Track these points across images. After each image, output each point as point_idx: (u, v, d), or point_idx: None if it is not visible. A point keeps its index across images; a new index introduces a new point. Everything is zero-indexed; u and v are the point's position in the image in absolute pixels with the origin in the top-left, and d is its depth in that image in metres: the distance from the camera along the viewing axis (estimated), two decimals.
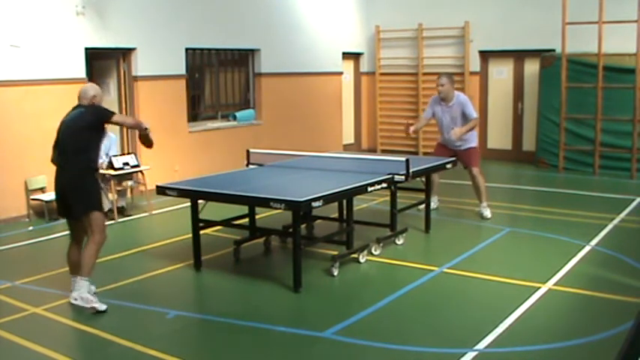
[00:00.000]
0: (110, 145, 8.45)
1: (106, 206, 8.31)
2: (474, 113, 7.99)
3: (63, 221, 8.29)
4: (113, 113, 5.42)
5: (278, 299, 5.55)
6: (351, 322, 4.99)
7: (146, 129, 5.54)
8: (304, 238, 6.53)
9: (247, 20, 11.24)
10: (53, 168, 8.48)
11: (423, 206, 7.82)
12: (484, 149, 13.18)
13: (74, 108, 5.45)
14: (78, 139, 5.26)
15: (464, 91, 12.80)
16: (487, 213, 8.17)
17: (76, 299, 5.24)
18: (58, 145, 5.43)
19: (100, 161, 8.32)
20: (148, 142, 5.65)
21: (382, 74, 14.11)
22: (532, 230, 7.62)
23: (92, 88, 5.54)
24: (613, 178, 10.79)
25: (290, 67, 12.14)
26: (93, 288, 5.38)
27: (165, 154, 9.79)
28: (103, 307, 5.22)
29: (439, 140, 8.42)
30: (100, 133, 5.44)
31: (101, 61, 9.67)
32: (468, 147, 8.08)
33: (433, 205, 8.17)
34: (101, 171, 8.21)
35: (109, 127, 8.75)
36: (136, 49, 9.52)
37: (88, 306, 5.19)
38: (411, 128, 8.15)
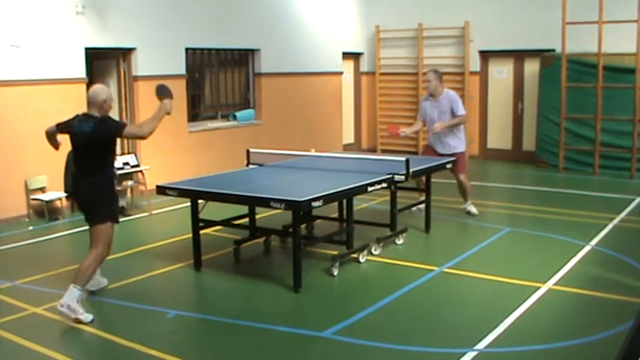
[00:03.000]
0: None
1: None
2: (461, 110, 7.99)
3: (63, 221, 8.35)
4: (124, 126, 5.09)
5: (278, 299, 5.55)
6: (351, 322, 4.99)
7: (167, 112, 5.14)
8: (304, 238, 6.53)
9: (247, 20, 11.24)
10: (53, 168, 8.55)
11: (415, 207, 7.89)
12: (484, 149, 13.21)
13: (84, 117, 5.18)
14: (93, 151, 5.10)
15: (463, 90, 12.85)
16: (474, 209, 8.26)
17: (62, 306, 4.94)
18: (76, 154, 5.26)
19: None
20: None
21: (382, 74, 14.10)
22: (532, 230, 7.62)
23: (103, 92, 5.20)
24: (613, 178, 10.79)
25: (290, 67, 12.14)
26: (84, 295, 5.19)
27: (165, 154, 9.80)
28: (89, 318, 4.97)
29: (427, 142, 8.45)
30: (112, 144, 5.22)
31: (101, 61, 9.67)
32: (454, 152, 8.02)
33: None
34: None
35: None
36: (136, 49, 9.52)
37: (73, 316, 4.93)
38: (402, 130, 8.27)
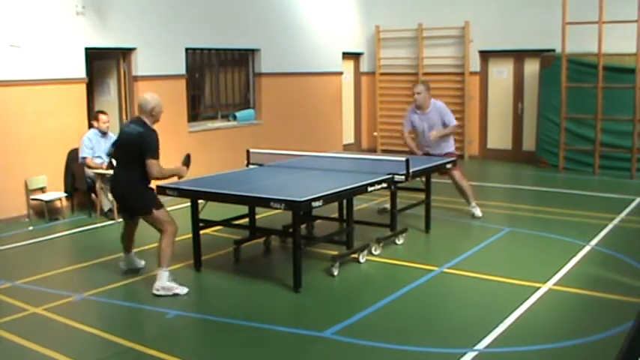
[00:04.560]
0: (110, 146, 8.45)
1: (106, 206, 8.33)
2: (453, 121, 8.06)
3: (63, 221, 8.36)
4: (154, 157, 5.54)
5: (278, 299, 5.55)
6: (352, 322, 4.99)
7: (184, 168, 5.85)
8: (304, 238, 6.53)
9: (247, 20, 11.24)
10: (53, 168, 8.56)
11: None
12: (484, 149, 13.21)
13: (136, 119, 5.73)
14: (133, 153, 5.58)
15: (463, 91, 12.86)
16: (478, 212, 8.20)
17: (158, 290, 5.53)
18: (118, 151, 5.87)
19: (100, 161, 8.37)
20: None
21: (382, 74, 14.11)
22: (532, 230, 7.62)
23: (152, 100, 5.65)
24: (613, 178, 10.79)
25: (290, 67, 12.14)
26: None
27: (164, 154, 9.74)
28: (184, 290, 5.58)
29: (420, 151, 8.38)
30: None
31: (101, 61, 9.67)
32: (445, 152, 8.03)
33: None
34: (101, 171, 8.23)
35: (107, 126, 8.77)
36: (136, 49, 9.51)
37: (170, 294, 5.53)
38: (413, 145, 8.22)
